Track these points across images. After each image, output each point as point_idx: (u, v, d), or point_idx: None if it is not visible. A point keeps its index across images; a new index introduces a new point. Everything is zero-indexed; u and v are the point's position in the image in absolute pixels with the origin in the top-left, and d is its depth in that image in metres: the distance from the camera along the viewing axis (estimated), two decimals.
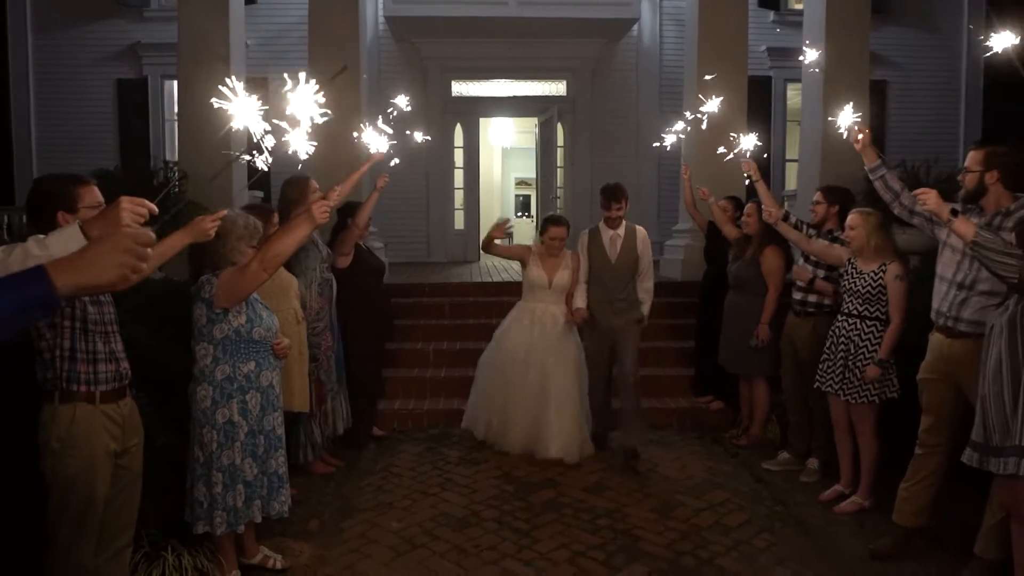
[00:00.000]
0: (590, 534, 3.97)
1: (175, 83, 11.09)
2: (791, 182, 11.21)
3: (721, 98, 4.90)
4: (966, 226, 2.94)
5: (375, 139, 4.02)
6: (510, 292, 6.49)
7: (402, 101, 4.25)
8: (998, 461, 2.79)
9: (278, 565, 3.48)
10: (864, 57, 7.80)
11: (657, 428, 5.70)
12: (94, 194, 2.56)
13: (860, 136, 3.81)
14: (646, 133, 10.84)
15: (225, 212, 3.10)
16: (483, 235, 5.21)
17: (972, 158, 3.41)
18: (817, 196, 4.86)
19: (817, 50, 4.48)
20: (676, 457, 5.17)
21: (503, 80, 11.83)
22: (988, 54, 2.76)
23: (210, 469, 3.17)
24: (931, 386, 3.53)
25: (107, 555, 2.68)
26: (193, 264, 3.26)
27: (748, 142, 4.68)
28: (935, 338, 3.52)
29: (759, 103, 11.33)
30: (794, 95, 11.68)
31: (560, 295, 5.13)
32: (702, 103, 4.88)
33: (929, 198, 3.04)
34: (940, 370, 3.47)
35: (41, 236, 2.16)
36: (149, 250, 1.31)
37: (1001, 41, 2.71)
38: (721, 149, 4.84)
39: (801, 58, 4.41)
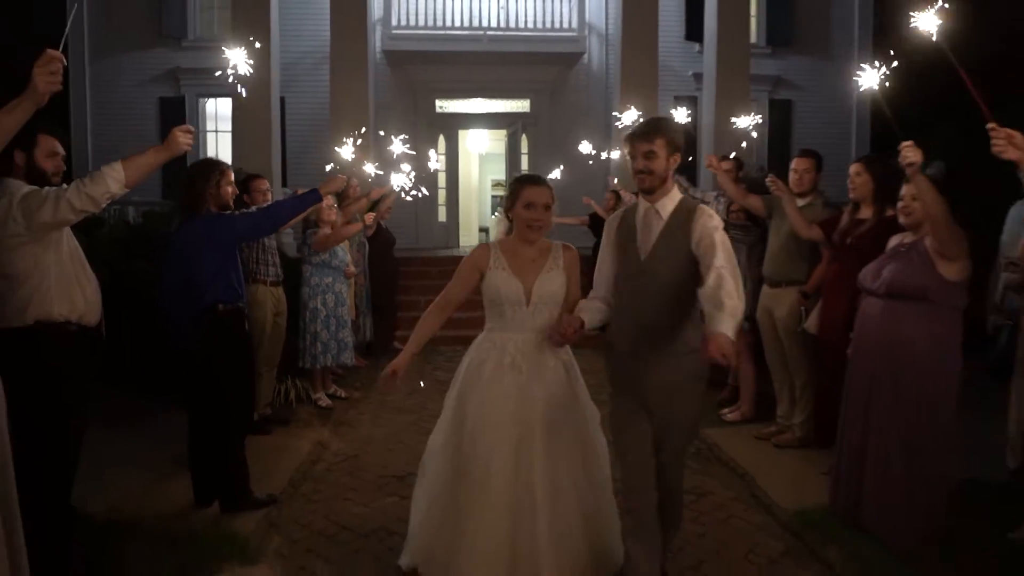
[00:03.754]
0: None
1: (207, 100, 13.75)
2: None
3: (635, 112, 6.95)
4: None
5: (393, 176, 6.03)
6: None
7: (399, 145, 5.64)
8: None
9: (342, 394, 6.11)
10: (745, 91, 10.49)
11: None
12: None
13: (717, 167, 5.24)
14: (594, 143, 13.47)
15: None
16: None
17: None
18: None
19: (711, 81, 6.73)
20: None
21: (478, 98, 14.40)
22: (860, 89, 3.35)
23: (308, 331, 5.74)
24: None
25: (267, 368, 5.21)
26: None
27: (632, 116, 6.58)
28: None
29: (688, 119, 14.06)
30: None
31: (548, 317, 3.03)
32: (618, 119, 7.15)
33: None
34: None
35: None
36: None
37: (868, 79, 3.28)
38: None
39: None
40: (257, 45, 4.06)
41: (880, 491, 3.39)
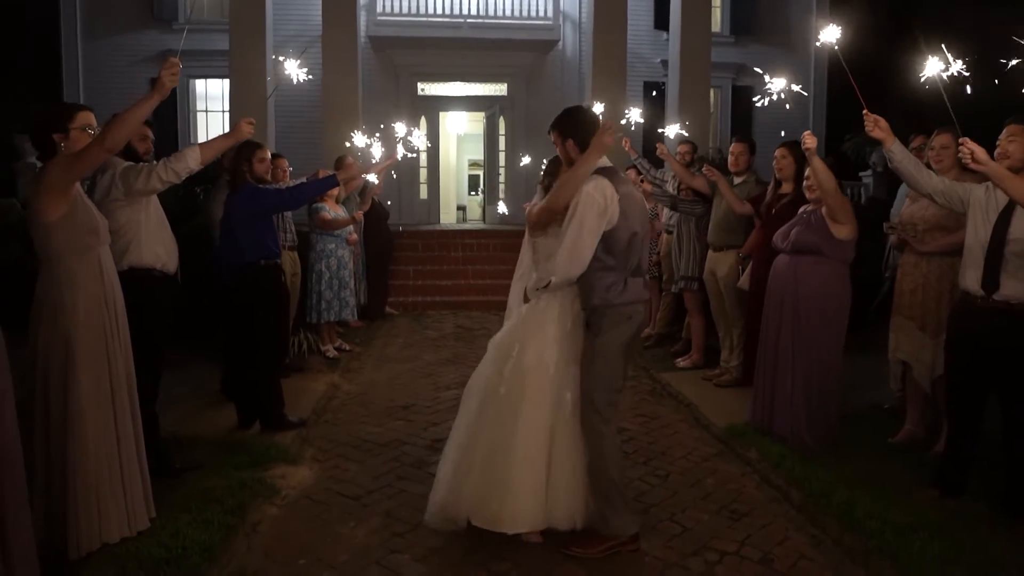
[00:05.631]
0: None
1: (198, 82, 14.38)
2: None
3: (600, 106, 7.89)
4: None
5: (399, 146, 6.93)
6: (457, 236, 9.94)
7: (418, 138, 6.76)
8: None
9: (346, 347, 6.96)
10: (705, 77, 11.40)
11: None
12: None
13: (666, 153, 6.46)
14: None
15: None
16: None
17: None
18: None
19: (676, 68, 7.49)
20: None
21: (458, 82, 15.17)
22: (817, 44, 3.68)
23: (314, 291, 6.59)
24: None
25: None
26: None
27: (598, 108, 7.57)
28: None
29: (657, 104, 14.99)
30: None
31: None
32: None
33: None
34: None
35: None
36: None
37: (827, 34, 3.60)
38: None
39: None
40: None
41: (785, 407, 4.35)
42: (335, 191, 6.59)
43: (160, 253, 3.83)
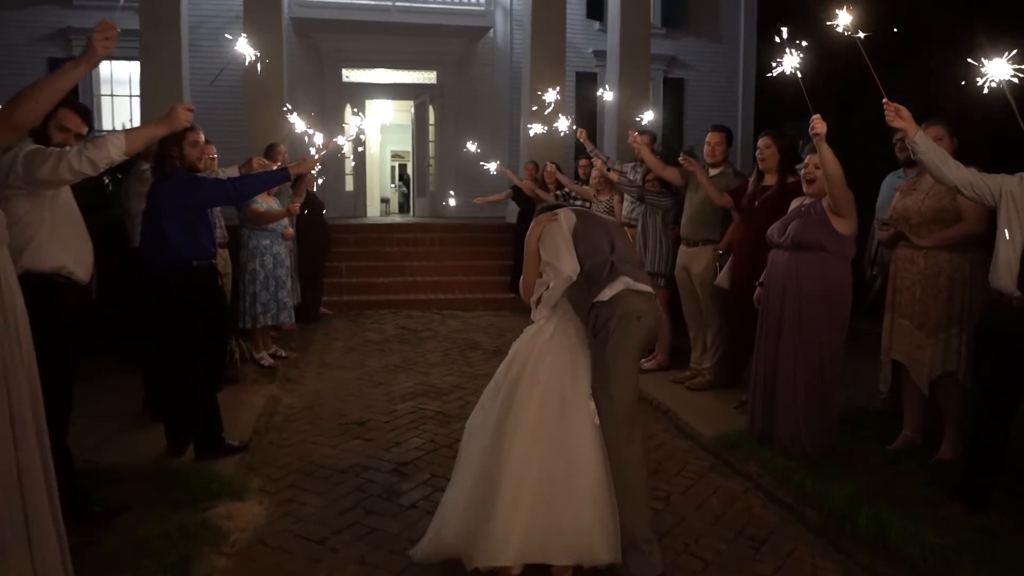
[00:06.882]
0: None
1: (103, 64, 13.13)
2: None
3: (557, 88, 7.29)
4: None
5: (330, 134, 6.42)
6: (392, 230, 9.34)
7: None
8: None
9: (283, 354, 6.29)
10: (645, 68, 11.13)
11: None
12: None
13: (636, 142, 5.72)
14: (500, 116, 13.91)
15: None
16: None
17: (761, 142, 4.92)
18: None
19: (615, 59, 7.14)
20: None
21: (385, 69, 14.46)
22: (775, 72, 3.62)
23: (247, 293, 5.91)
24: None
25: None
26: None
27: (553, 96, 6.78)
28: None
29: (588, 94, 14.70)
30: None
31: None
32: (540, 96, 7.49)
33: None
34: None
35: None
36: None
37: (787, 63, 3.58)
38: (560, 127, 6.99)
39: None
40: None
41: (788, 416, 4.03)
42: None
43: (64, 258, 3.16)
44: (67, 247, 3.20)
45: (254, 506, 3.54)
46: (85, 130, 3.31)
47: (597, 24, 14.92)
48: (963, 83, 3.04)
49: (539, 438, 2.72)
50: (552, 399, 2.78)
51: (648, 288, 2.96)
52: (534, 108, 8.30)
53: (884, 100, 3.35)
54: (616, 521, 2.73)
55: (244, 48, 4.21)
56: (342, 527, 3.32)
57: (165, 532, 3.07)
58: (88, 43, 2.64)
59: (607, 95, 6.71)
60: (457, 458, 2.96)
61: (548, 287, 2.89)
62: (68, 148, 3.07)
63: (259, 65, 4.21)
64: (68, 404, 3.24)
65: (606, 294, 2.86)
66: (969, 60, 2.96)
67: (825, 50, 3.99)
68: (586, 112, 14.09)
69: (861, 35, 3.28)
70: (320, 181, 8.79)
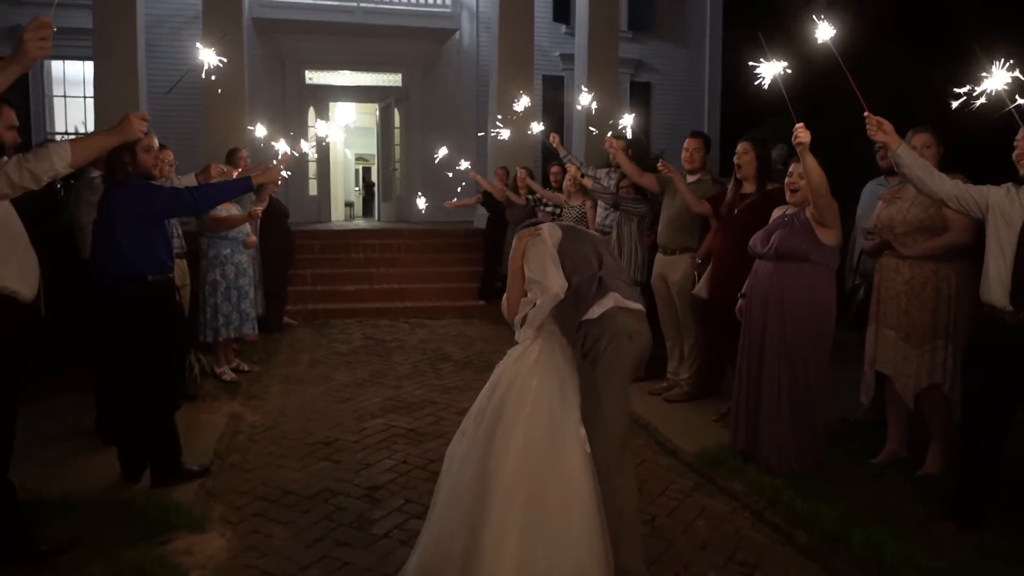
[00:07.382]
0: None
1: (55, 63, 12.68)
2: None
3: (527, 97, 7.27)
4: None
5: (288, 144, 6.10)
6: (357, 236, 9.10)
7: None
8: None
9: (245, 368, 6.02)
10: (613, 71, 11.03)
11: None
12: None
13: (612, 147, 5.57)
14: (466, 119, 13.71)
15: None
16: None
17: (740, 148, 4.71)
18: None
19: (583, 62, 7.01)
20: None
21: (350, 71, 14.17)
22: (761, 82, 3.50)
23: (208, 304, 5.64)
24: None
25: None
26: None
27: (525, 102, 6.84)
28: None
29: (554, 97, 14.60)
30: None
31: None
32: (509, 102, 7.35)
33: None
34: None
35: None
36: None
37: (769, 70, 3.49)
38: (532, 130, 7.01)
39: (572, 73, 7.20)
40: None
41: (773, 431, 3.92)
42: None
43: (7, 275, 2.91)
44: (8, 265, 2.95)
45: (216, 539, 3.30)
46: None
47: (564, 27, 14.82)
48: (955, 89, 2.97)
49: (527, 467, 2.51)
50: (540, 424, 2.58)
51: (639, 306, 2.82)
52: (499, 117, 8.15)
53: (866, 113, 3.27)
54: (609, 554, 2.56)
55: (208, 56, 3.98)
56: (311, 561, 3.10)
57: (118, 573, 2.83)
58: (19, 42, 2.47)
59: (584, 99, 6.47)
60: (437, 487, 2.74)
61: (534, 306, 2.73)
62: (6, 159, 2.82)
63: (218, 68, 3.97)
64: (10, 432, 2.99)
65: (595, 311, 2.71)
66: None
67: (797, 52, 3.89)
68: (554, 116, 13.98)
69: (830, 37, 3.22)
70: (285, 175, 8.49)
